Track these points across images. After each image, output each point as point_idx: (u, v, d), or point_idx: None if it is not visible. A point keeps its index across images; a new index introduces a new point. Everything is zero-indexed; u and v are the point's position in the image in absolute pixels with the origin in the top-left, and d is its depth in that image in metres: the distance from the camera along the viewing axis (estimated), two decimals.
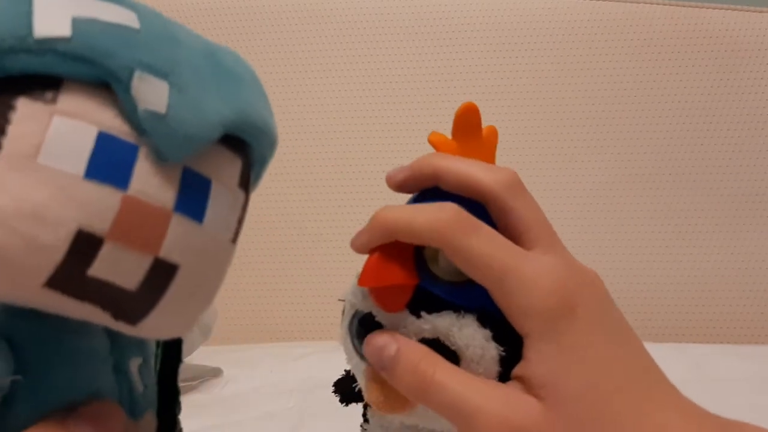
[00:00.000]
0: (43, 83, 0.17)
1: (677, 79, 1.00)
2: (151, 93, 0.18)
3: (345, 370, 0.36)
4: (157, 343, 0.27)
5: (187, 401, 0.28)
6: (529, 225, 0.26)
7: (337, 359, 0.37)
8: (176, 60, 0.19)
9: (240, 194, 0.22)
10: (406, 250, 0.27)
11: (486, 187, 0.27)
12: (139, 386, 0.24)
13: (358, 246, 0.28)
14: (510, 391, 0.25)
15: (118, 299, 0.19)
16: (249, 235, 0.23)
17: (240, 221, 0.22)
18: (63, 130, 0.17)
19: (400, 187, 0.29)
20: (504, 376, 0.26)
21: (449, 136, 0.30)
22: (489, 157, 0.30)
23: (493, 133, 0.31)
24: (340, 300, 0.30)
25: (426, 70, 1.02)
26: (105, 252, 0.18)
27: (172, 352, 0.28)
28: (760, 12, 1.00)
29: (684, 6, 1.01)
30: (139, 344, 0.25)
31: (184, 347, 0.29)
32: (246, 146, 0.22)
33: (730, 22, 1.00)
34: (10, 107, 0.17)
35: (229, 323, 0.96)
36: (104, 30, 0.18)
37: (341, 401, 0.36)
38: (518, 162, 0.88)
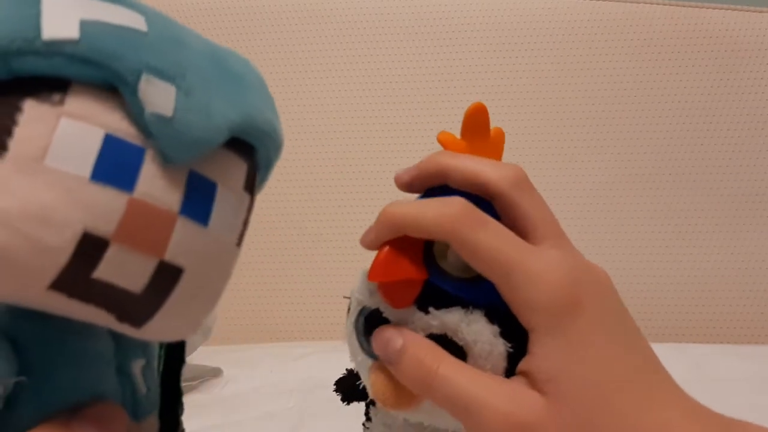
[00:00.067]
0: (50, 85, 0.17)
1: (677, 79, 1.00)
2: (158, 96, 0.18)
3: (346, 369, 0.36)
4: (160, 344, 0.27)
5: (187, 401, 0.28)
6: (536, 221, 0.27)
7: (337, 359, 0.37)
8: (183, 63, 0.19)
9: (245, 197, 0.22)
10: (415, 246, 0.27)
11: (493, 183, 0.27)
12: (142, 388, 0.24)
13: (367, 242, 0.28)
14: (515, 386, 0.25)
15: (123, 302, 0.19)
16: (249, 235, 0.23)
17: (245, 224, 0.22)
18: (70, 132, 0.17)
19: (408, 186, 0.29)
20: (510, 373, 0.26)
21: (457, 136, 0.30)
22: (497, 156, 0.31)
23: (500, 134, 0.31)
24: (345, 297, 0.30)
25: (426, 70, 1.02)
26: (110, 254, 0.18)
27: (174, 353, 0.28)
28: (760, 12, 1.00)
29: (684, 6, 1.01)
30: (143, 346, 0.25)
31: (185, 348, 0.29)
32: (252, 149, 0.22)
33: (730, 22, 1.00)
34: (18, 109, 0.17)
35: (229, 323, 0.96)
36: (112, 32, 0.18)
37: (343, 400, 0.36)
38: (518, 162, 0.88)
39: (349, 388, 0.35)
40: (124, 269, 0.18)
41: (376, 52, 1.02)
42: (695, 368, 0.76)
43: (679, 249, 0.99)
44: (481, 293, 0.26)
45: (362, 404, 0.35)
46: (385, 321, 0.28)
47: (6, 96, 0.17)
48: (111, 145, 0.18)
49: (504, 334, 0.26)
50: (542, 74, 1.01)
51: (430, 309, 0.27)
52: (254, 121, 0.21)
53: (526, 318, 0.25)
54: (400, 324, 0.27)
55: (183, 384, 0.28)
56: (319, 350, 0.83)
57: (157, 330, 0.20)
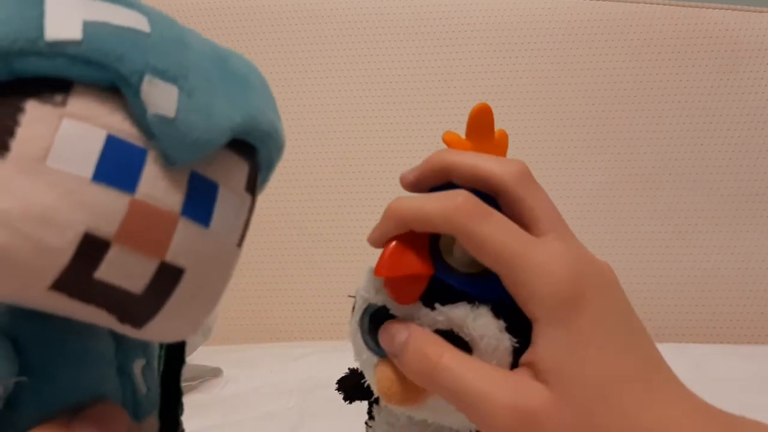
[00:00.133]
0: (52, 86, 0.17)
1: (677, 79, 1.00)
2: (161, 97, 0.18)
3: (349, 368, 0.36)
4: (160, 344, 0.27)
5: (187, 401, 0.28)
6: (539, 215, 0.27)
7: (337, 359, 0.38)
8: (186, 64, 0.19)
9: (246, 198, 0.22)
10: (421, 241, 0.27)
11: (497, 178, 0.27)
12: (142, 388, 0.24)
13: (374, 239, 0.28)
14: (518, 377, 0.25)
15: (124, 302, 0.19)
16: (249, 235, 0.23)
17: (246, 225, 0.22)
18: (72, 133, 0.17)
19: (413, 186, 0.30)
20: (515, 368, 0.26)
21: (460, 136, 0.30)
22: (501, 156, 0.31)
23: (504, 136, 0.31)
24: (350, 296, 0.30)
25: (426, 70, 1.02)
26: (111, 255, 0.18)
27: (175, 353, 0.28)
28: (760, 12, 1.00)
29: (684, 6, 1.01)
30: (143, 346, 0.25)
31: (185, 348, 0.29)
32: (253, 150, 0.22)
33: (730, 22, 1.00)
34: (20, 109, 0.17)
35: (229, 323, 0.96)
36: (115, 33, 0.18)
37: (345, 399, 0.36)
38: None
39: (351, 387, 0.36)
40: (126, 270, 0.18)
41: (376, 52, 1.02)
42: (695, 368, 0.76)
43: (679, 249, 0.99)
44: (486, 288, 0.26)
45: (363, 404, 0.35)
46: (391, 318, 0.28)
47: (8, 96, 0.17)
48: (113, 146, 0.18)
49: (510, 330, 0.26)
50: (542, 74, 1.01)
51: (436, 305, 0.27)
52: (256, 122, 0.21)
53: (530, 309, 0.25)
54: (406, 320, 0.28)
55: (183, 384, 0.28)
56: (319, 350, 0.83)
57: (158, 330, 0.20)
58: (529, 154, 0.99)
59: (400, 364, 0.27)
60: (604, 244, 0.99)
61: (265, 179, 0.24)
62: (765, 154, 1.00)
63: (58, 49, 0.17)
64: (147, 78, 0.18)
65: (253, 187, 0.22)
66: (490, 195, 0.28)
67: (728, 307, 0.98)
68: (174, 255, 0.19)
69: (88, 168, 0.17)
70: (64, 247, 0.17)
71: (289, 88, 1.00)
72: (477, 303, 0.27)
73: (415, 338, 0.26)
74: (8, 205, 0.16)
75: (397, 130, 1.01)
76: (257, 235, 0.97)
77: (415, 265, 0.27)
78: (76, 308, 0.18)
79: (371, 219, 0.28)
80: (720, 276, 0.99)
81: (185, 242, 0.19)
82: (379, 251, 0.27)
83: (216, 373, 0.77)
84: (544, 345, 0.25)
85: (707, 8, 1.01)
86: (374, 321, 0.28)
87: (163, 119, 0.18)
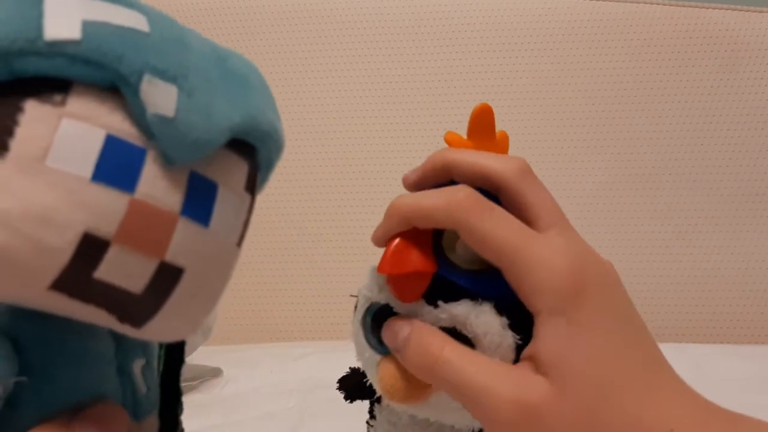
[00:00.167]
0: (52, 86, 0.17)
1: (677, 79, 1.00)
2: (160, 97, 0.18)
3: (350, 368, 0.36)
4: (160, 344, 0.27)
5: (187, 401, 0.28)
6: (541, 210, 0.27)
7: (337, 359, 0.38)
8: (185, 64, 0.19)
9: (246, 198, 0.22)
10: (424, 239, 0.27)
11: (498, 174, 0.27)
12: (142, 388, 0.24)
13: (377, 237, 0.28)
14: (520, 371, 0.25)
15: (124, 302, 0.19)
16: (249, 235, 0.23)
17: (246, 224, 0.22)
18: (71, 132, 0.17)
19: (415, 186, 0.30)
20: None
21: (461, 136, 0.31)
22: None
23: (505, 136, 0.31)
24: (352, 296, 0.30)
25: (426, 70, 1.02)
26: (111, 255, 0.18)
27: (174, 353, 0.28)
28: (760, 12, 1.00)
29: (684, 6, 1.01)
30: (143, 346, 0.25)
31: (185, 348, 0.29)
32: (253, 150, 0.22)
33: (730, 22, 1.00)
34: (19, 109, 0.17)
35: (229, 323, 0.96)
36: (114, 33, 0.18)
37: (346, 398, 0.36)
38: None
39: (352, 386, 0.36)
40: (125, 270, 0.18)
41: (376, 52, 1.02)
42: (695, 368, 0.76)
43: (679, 249, 0.99)
44: (489, 285, 0.27)
45: (363, 404, 0.35)
46: (394, 316, 0.28)
47: (7, 96, 0.17)
48: (112, 146, 0.18)
49: (512, 326, 0.26)
50: (542, 74, 1.01)
51: (439, 302, 0.27)
52: (256, 122, 0.21)
53: (531, 302, 0.25)
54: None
55: (183, 384, 0.28)
56: (319, 350, 0.83)
57: (158, 330, 0.20)
58: (530, 154, 0.98)
59: (403, 359, 0.27)
60: (604, 244, 0.99)
61: (265, 179, 0.24)
62: (765, 154, 1.00)
63: (58, 48, 0.17)
64: (146, 78, 0.18)
65: (252, 186, 0.22)
66: (492, 193, 0.28)
67: (728, 307, 0.98)
68: (173, 255, 0.19)
69: (88, 168, 0.17)
70: (63, 247, 0.17)
71: (289, 88, 1.00)
72: (480, 300, 0.27)
73: (418, 333, 0.26)
74: (8, 205, 0.16)
75: (397, 130, 1.01)
76: (257, 235, 0.97)
77: (418, 262, 0.27)
78: (75, 308, 0.18)
79: (371, 219, 0.28)
80: (720, 276, 0.99)
81: (185, 242, 0.19)
82: (380, 251, 0.27)
83: (216, 373, 0.77)
84: (545, 338, 0.25)
85: (707, 8, 1.01)
86: (377, 319, 0.28)
87: (162, 119, 0.18)
